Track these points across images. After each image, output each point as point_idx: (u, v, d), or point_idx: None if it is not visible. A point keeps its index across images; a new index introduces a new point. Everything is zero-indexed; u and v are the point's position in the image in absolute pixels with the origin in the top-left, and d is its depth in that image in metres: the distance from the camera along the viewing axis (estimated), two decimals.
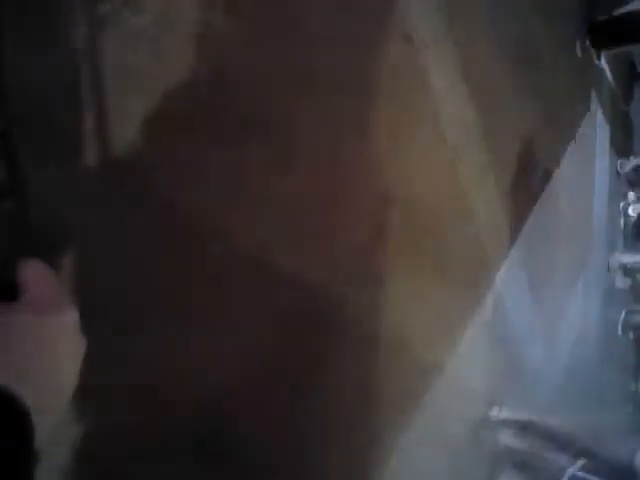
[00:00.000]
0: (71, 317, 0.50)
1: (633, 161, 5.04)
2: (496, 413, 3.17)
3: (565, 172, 3.99)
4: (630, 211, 4.92)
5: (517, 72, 3.28)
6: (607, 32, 4.10)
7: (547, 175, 3.79)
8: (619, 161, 4.95)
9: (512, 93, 3.25)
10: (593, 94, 4.39)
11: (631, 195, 4.99)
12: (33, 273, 0.50)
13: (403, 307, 2.48)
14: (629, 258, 4.86)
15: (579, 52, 4.11)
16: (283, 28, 1.93)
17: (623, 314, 5.00)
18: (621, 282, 4.96)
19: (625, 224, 4.97)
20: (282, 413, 1.92)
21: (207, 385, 1.66)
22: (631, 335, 5.22)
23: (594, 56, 4.29)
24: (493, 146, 3.02)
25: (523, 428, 3.14)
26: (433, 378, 2.73)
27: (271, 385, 1.89)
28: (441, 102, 2.62)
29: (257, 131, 1.88)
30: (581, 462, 2.85)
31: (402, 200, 2.44)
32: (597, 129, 4.53)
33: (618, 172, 4.95)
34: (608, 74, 4.57)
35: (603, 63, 4.45)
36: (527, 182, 3.42)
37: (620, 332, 5.05)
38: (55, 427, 0.44)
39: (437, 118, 2.63)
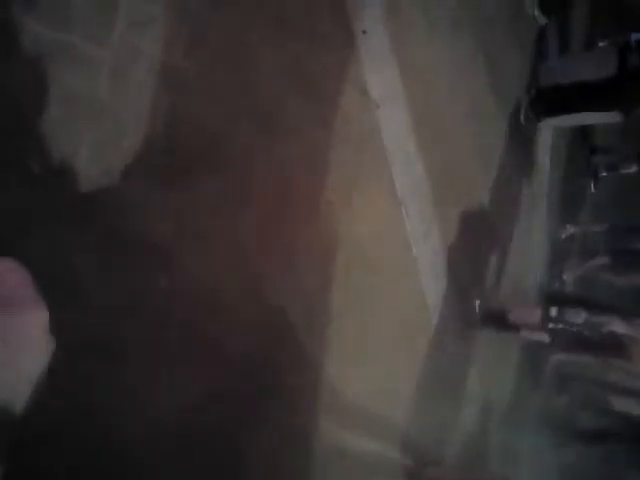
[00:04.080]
0: (39, 316, 0.53)
1: (570, 229, 5.50)
2: None
3: (508, 231, 4.33)
4: (564, 277, 5.33)
5: (467, 134, 3.59)
6: (547, 101, 4.57)
7: (492, 232, 4.10)
8: (559, 228, 5.39)
9: (461, 151, 3.54)
10: (536, 160, 4.84)
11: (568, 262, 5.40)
12: (3, 272, 0.53)
13: (345, 354, 2.60)
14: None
15: (523, 119, 4.54)
16: (241, 73, 2.10)
17: None
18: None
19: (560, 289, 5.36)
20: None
21: None
22: None
23: (537, 124, 4.74)
24: (440, 202, 3.26)
25: None
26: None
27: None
28: (392, 155, 2.84)
29: (211, 169, 2.00)
30: None
31: (351, 243, 2.60)
32: (541, 194, 4.95)
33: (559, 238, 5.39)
34: (549, 142, 5.05)
35: (546, 132, 4.92)
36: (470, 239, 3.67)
37: None
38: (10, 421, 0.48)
39: (388, 169, 2.84)
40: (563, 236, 5.49)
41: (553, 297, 4.28)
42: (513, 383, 4.81)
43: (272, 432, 2.23)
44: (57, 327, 0.61)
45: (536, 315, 3.84)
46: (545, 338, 3.88)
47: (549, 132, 4.99)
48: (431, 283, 3.31)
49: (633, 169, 5.69)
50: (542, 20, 4.75)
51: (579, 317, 3.68)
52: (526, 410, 5.09)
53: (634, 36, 4.26)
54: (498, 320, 3.93)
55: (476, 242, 3.85)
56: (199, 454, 1.91)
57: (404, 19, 2.83)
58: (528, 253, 4.89)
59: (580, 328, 3.68)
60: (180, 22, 1.84)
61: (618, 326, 3.54)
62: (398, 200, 2.96)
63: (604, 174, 6.02)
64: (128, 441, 1.66)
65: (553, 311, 3.76)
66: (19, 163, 1.47)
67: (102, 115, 1.67)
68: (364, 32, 2.60)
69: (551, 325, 3.78)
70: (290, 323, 2.31)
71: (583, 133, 5.65)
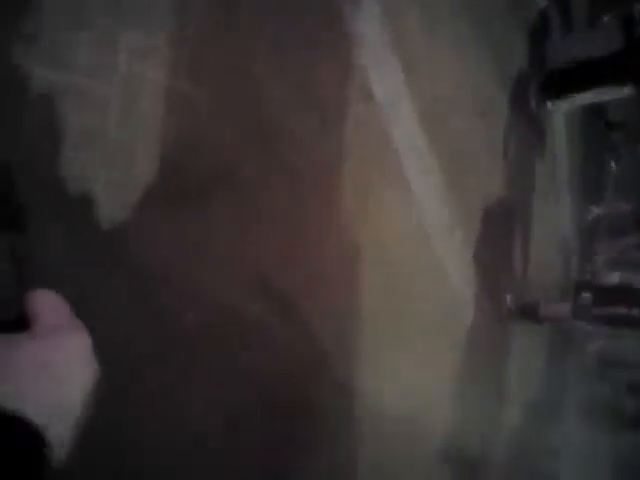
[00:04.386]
0: (82, 344, 0.53)
1: (595, 210, 5.40)
2: None
3: (532, 218, 4.27)
4: (596, 260, 5.21)
5: (477, 124, 3.56)
6: (556, 83, 4.51)
7: (515, 221, 4.06)
8: (584, 210, 5.29)
9: (474, 146, 3.51)
10: (552, 143, 4.77)
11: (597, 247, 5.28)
12: (43, 302, 0.53)
13: (378, 359, 2.57)
14: None
15: (533, 104, 4.49)
16: (244, 91, 2.10)
17: None
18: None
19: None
20: None
21: None
22: None
23: (548, 107, 4.68)
24: (459, 198, 3.23)
25: None
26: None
27: None
28: (405, 156, 2.82)
29: (222, 193, 2.00)
30: None
31: (374, 249, 2.58)
32: (561, 177, 4.88)
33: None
34: (562, 125, 4.97)
35: (558, 114, 4.85)
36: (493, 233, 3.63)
37: None
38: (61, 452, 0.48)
39: (402, 171, 2.82)
40: (589, 218, 5.40)
41: (583, 284, 4.20)
42: (553, 373, 4.72)
43: (311, 454, 2.22)
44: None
45: (566, 306, 3.77)
46: (583, 325, 3.81)
47: (561, 114, 4.92)
48: (459, 280, 3.27)
49: None
50: (542, 1, 4.71)
51: (614, 277, 3.60)
52: (569, 399, 4.99)
53: (638, 7, 4.20)
54: (530, 313, 3.88)
55: (500, 233, 3.81)
56: None
57: (402, 18, 2.82)
58: (555, 239, 4.81)
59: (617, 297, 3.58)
60: (181, 48, 1.86)
61: None
62: (416, 200, 2.94)
63: (623, 150, 5.92)
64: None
65: (586, 299, 3.68)
66: (36, 203, 1.49)
67: (113, 148, 1.69)
68: (363, 35, 2.60)
69: (585, 313, 3.71)
70: (320, 339, 2.30)
71: (597, 110, 5.56)
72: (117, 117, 1.71)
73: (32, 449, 0.43)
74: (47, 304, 0.53)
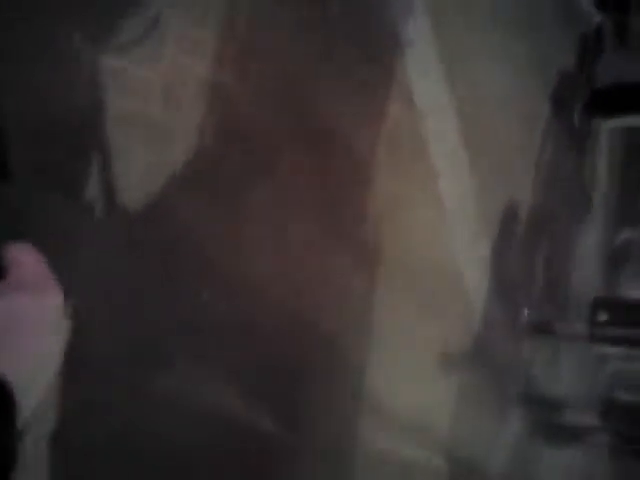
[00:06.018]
0: (55, 299, 0.53)
1: (626, 233, 5.25)
2: None
3: (560, 236, 4.22)
4: (622, 285, 5.06)
5: (518, 137, 3.53)
6: (607, 102, 4.40)
7: (542, 237, 4.01)
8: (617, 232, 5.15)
9: (511, 157, 3.47)
10: (591, 162, 4.68)
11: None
12: (19, 255, 0.53)
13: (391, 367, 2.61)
14: None
15: (577, 120, 4.40)
16: (288, 86, 2.14)
17: None
18: None
19: None
20: None
21: None
22: None
23: (592, 125, 4.58)
24: (489, 213, 3.21)
25: None
26: None
27: None
28: (441, 167, 2.82)
29: (257, 180, 2.06)
30: None
31: (394, 257, 2.60)
32: (597, 196, 4.79)
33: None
34: (606, 144, 4.86)
35: (602, 133, 4.75)
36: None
37: None
38: (37, 405, 0.49)
39: (436, 182, 2.81)
40: (619, 241, 5.27)
41: (601, 301, 4.06)
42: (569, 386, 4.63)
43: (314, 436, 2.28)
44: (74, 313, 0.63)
45: (583, 325, 3.66)
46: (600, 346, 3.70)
47: (605, 133, 4.82)
48: (478, 293, 3.26)
49: None
50: (596, 15, 4.57)
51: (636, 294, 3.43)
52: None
53: None
54: (547, 330, 3.83)
55: (525, 248, 3.78)
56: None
57: (451, 27, 2.80)
58: (582, 258, 4.74)
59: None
60: (227, 43, 1.91)
61: None
62: (445, 212, 2.92)
63: None
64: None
65: (603, 315, 3.53)
66: (70, 182, 1.56)
67: (153, 130, 1.75)
68: (410, 41, 2.60)
69: (602, 333, 3.60)
70: (333, 333, 2.34)
71: None
72: (161, 103, 1.76)
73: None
74: (23, 257, 0.53)
